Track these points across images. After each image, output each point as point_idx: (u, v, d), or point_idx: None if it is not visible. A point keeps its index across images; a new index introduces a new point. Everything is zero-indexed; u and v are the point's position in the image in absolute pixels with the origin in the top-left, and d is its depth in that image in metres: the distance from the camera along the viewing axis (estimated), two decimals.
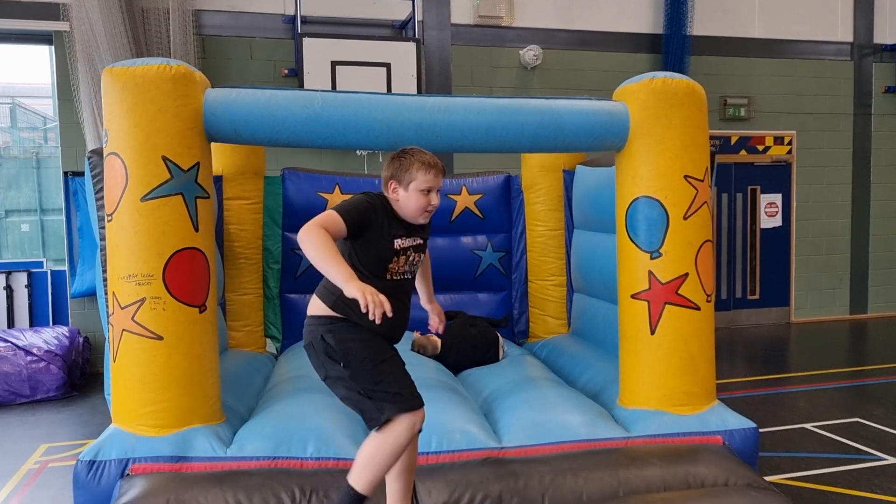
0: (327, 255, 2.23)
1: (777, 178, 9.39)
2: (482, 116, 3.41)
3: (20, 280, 7.17)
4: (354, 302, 2.19)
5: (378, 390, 2.38)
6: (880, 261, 9.74)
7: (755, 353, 7.93)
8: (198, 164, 3.23)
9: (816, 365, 7.05)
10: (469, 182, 5.40)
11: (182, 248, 3.14)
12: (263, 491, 2.77)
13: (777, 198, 9.41)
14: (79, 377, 6.53)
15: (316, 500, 2.76)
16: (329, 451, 3.10)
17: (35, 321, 7.21)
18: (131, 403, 3.10)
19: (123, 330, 3.09)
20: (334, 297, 2.42)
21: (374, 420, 2.40)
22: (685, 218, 3.37)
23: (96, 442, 3.04)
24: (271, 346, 5.31)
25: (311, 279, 5.16)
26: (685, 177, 3.38)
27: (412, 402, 2.42)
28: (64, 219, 7.09)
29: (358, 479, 2.41)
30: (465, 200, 5.33)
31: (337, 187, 5.23)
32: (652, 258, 3.39)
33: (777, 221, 9.42)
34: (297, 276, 5.20)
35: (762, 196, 9.36)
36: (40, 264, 7.37)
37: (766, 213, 9.39)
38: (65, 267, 7.17)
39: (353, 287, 2.17)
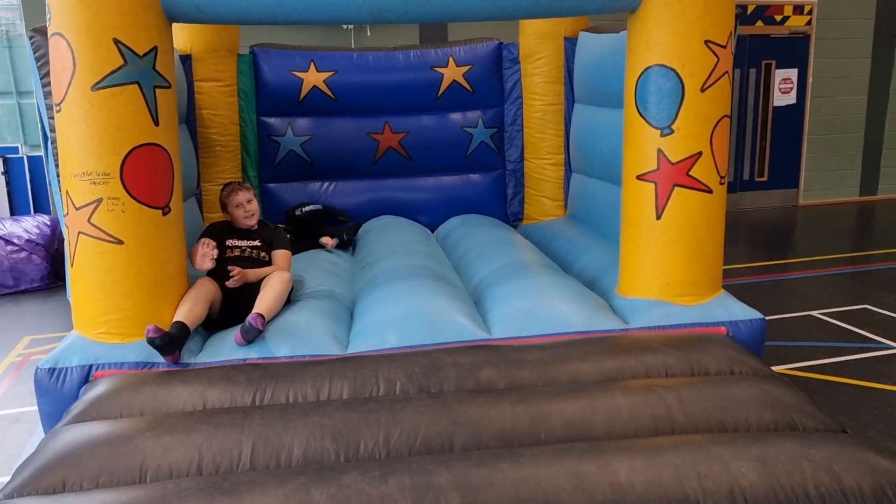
0: None
1: (794, 51, 8.81)
2: None
3: None
4: None
5: None
6: (894, 141, 9.31)
7: (760, 237, 7.73)
8: (155, 48, 2.87)
9: (824, 249, 6.85)
10: (456, 52, 4.94)
11: (141, 144, 2.83)
12: (224, 381, 2.62)
13: (793, 73, 8.87)
14: (63, 267, 6.38)
15: (275, 388, 2.59)
16: (303, 349, 2.93)
17: (15, 210, 6.97)
18: (92, 310, 2.89)
19: (80, 232, 2.84)
20: None
21: None
22: (702, 90, 2.99)
23: (57, 350, 2.87)
24: None
25: (290, 168, 4.92)
26: (706, 42, 2.96)
27: None
28: (36, 101, 6.67)
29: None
30: (452, 73, 4.90)
31: (312, 64, 4.81)
32: (662, 135, 3.04)
33: (791, 99, 8.93)
34: (275, 165, 4.89)
35: (777, 72, 8.82)
36: (16, 150, 7.04)
37: (779, 89, 8.88)
38: (41, 153, 6.83)
39: None
